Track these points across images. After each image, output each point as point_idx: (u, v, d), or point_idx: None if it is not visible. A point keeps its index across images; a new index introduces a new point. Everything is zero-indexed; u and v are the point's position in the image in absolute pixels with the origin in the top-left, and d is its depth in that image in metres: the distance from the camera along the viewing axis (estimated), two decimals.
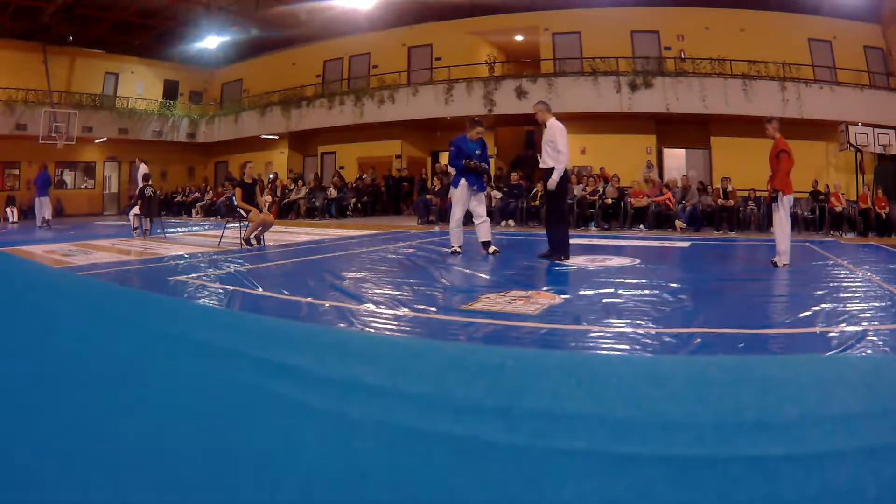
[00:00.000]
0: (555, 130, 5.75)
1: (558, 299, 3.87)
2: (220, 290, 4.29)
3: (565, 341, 2.93)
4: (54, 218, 13.79)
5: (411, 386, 1.32)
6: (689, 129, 14.40)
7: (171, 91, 20.10)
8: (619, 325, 3.17)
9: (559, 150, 5.69)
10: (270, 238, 8.34)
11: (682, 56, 13.87)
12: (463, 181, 6.30)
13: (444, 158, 16.35)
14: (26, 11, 15.15)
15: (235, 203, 7.82)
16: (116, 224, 13.27)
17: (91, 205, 18.62)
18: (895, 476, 0.87)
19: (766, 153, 5.72)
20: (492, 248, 6.39)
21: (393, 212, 15.65)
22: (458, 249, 6.38)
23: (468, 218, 6.50)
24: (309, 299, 3.92)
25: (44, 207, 12.92)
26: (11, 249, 7.48)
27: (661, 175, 13.48)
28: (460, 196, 6.34)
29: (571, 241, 6.19)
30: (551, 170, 5.74)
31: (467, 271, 5.31)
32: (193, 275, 5.08)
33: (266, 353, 1.62)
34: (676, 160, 14.92)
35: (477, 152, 6.35)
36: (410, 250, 7.04)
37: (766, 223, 10.90)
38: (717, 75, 13.09)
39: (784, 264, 5.48)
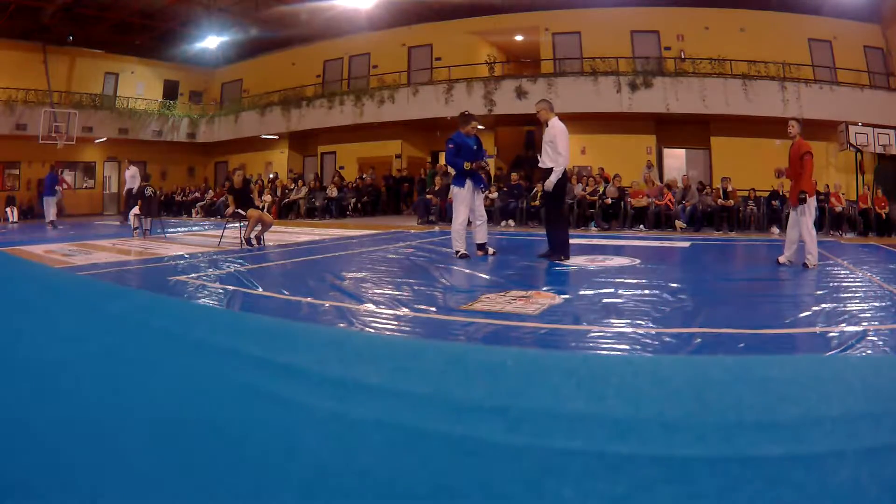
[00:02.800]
0: (556, 131, 5.70)
1: (558, 299, 3.87)
2: (220, 290, 4.29)
3: (565, 341, 2.93)
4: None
5: (411, 386, 1.32)
6: (689, 129, 14.40)
7: (171, 91, 20.09)
8: (619, 325, 3.16)
9: (559, 151, 5.64)
10: (270, 238, 8.34)
11: (682, 56, 13.87)
12: (468, 182, 6.14)
13: (444, 158, 16.36)
14: (26, 11, 15.14)
15: (229, 207, 7.88)
16: (116, 224, 13.27)
17: (91, 205, 18.61)
18: (895, 476, 0.87)
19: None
20: (491, 250, 6.35)
21: (393, 212, 15.64)
22: (466, 252, 6.17)
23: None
24: (309, 299, 3.92)
25: (50, 207, 12.98)
26: (11, 249, 7.48)
27: (661, 175, 13.48)
28: (465, 197, 6.15)
29: (571, 241, 6.19)
30: (550, 170, 5.71)
31: (467, 271, 5.31)
32: (193, 275, 5.07)
33: (266, 353, 1.62)
34: (676, 160, 14.92)
35: (474, 147, 6.20)
36: (410, 250, 7.04)
37: (765, 223, 10.90)
38: (717, 75, 13.08)
39: (814, 265, 5.46)
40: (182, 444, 1.22)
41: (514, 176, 12.91)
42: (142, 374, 1.56)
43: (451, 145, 6.20)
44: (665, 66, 13.79)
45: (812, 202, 5.57)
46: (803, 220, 5.57)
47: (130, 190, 11.14)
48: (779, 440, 0.97)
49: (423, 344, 2.75)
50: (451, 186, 6.44)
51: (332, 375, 1.42)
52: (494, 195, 12.13)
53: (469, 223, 6.37)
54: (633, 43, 14.63)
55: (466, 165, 6.08)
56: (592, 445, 0.99)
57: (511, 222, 11.86)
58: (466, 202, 6.16)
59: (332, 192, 14.72)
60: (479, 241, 6.35)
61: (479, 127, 6.37)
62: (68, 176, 17.24)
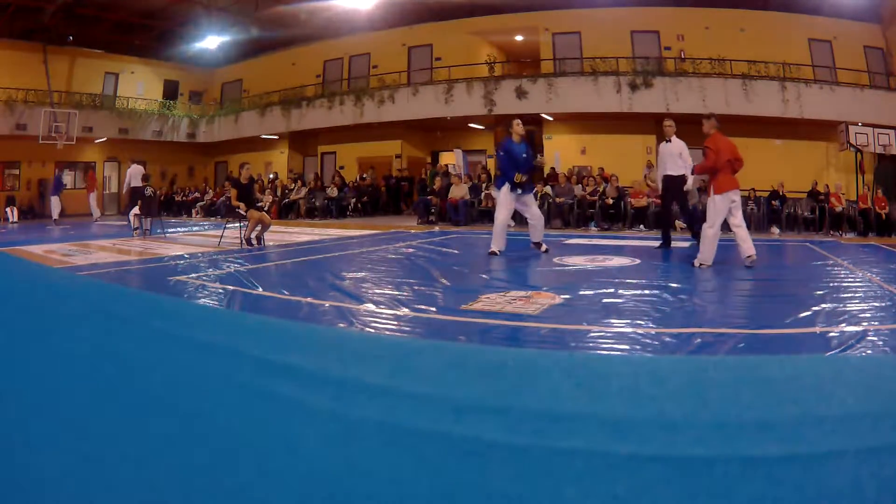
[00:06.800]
0: (682, 144, 6.98)
1: (558, 299, 3.87)
2: (220, 290, 4.29)
3: (565, 341, 2.92)
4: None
5: (411, 386, 1.32)
6: (689, 129, 14.37)
7: (171, 91, 20.08)
8: (619, 325, 3.16)
9: (686, 160, 6.93)
10: (270, 238, 8.34)
11: (682, 56, 13.86)
12: (506, 185, 6.38)
13: (444, 158, 16.35)
14: (26, 11, 15.14)
15: (231, 203, 7.87)
16: (116, 224, 13.28)
17: (91, 205, 18.60)
18: (895, 476, 0.87)
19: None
20: (543, 247, 6.66)
21: (393, 212, 15.64)
22: (497, 252, 6.32)
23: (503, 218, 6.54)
24: (309, 299, 3.92)
25: (53, 207, 13.89)
26: (11, 249, 7.47)
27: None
28: (504, 199, 6.42)
29: (571, 240, 6.24)
30: (679, 177, 7.11)
31: (467, 271, 5.31)
32: (193, 275, 5.07)
33: (266, 353, 1.62)
34: None
35: (524, 155, 6.43)
36: (410, 250, 7.04)
37: (765, 223, 10.90)
38: (717, 75, 13.07)
39: (702, 264, 5.38)
40: (182, 444, 1.22)
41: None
42: (141, 374, 1.56)
43: (501, 153, 6.50)
44: (665, 66, 13.77)
45: (718, 200, 5.35)
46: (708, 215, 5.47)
47: (135, 189, 11.10)
48: (779, 440, 0.97)
49: (423, 344, 2.75)
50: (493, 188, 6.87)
51: (332, 375, 1.42)
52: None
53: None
54: (633, 43, 14.61)
55: (517, 178, 6.31)
56: (592, 445, 0.99)
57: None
58: (504, 204, 6.43)
59: (333, 192, 14.72)
60: (533, 240, 6.72)
61: (518, 122, 6.58)
62: (68, 176, 17.25)
